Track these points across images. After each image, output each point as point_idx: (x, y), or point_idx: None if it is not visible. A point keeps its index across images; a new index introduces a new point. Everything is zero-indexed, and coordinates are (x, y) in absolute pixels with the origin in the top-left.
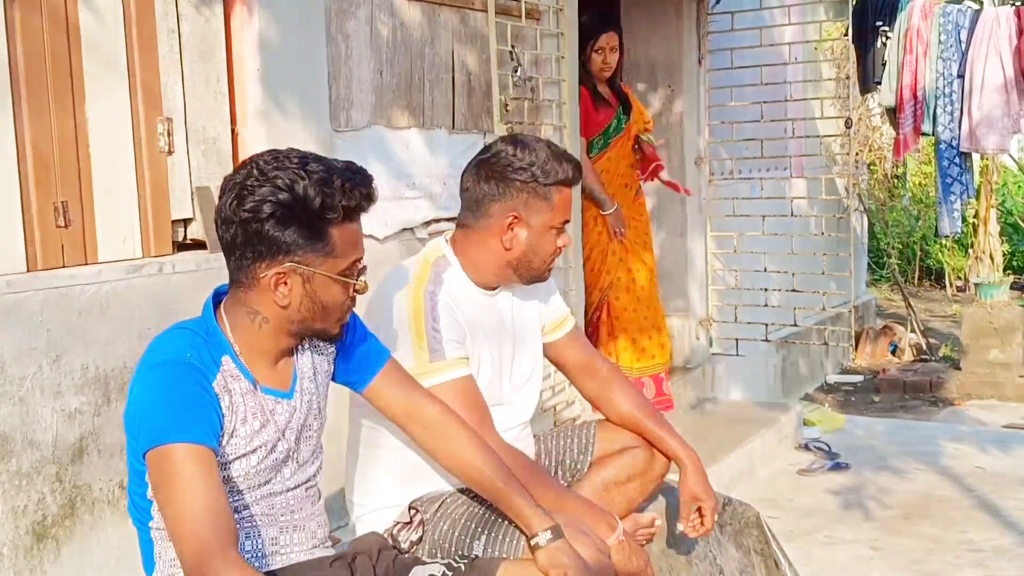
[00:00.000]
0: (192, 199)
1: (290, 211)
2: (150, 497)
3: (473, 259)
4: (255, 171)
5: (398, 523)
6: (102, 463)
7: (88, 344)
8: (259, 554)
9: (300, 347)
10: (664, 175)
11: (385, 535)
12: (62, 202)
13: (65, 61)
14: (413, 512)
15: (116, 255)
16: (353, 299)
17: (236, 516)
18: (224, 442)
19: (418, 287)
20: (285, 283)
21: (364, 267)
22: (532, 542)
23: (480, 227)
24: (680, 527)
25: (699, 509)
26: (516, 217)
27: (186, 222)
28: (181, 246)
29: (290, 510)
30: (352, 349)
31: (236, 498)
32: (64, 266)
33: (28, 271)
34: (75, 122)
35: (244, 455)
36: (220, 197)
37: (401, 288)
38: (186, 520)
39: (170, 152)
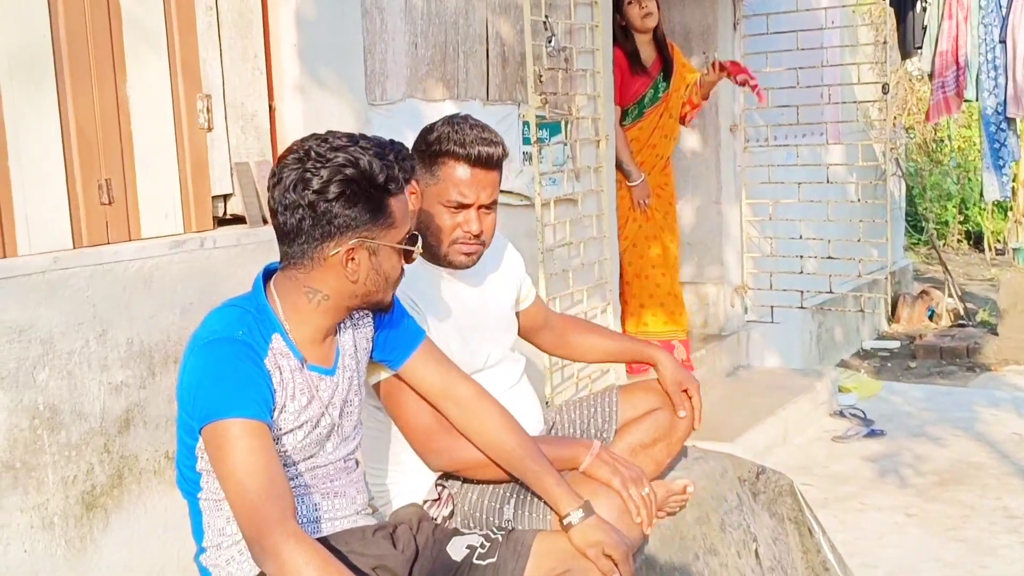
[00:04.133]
0: (231, 175)
1: (357, 187)
2: (199, 470)
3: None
4: (312, 154)
5: (427, 500)
6: (148, 434)
7: (132, 318)
8: (304, 519)
9: (343, 324)
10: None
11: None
12: (106, 180)
13: (106, 39)
14: (440, 488)
15: (158, 231)
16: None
17: None
18: (275, 417)
19: None
20: (353, 259)
21: (416, 235)
22: (564, 521)
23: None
24: (682, 413)
25: (686, 391)
26: (414, 182)
27: (226, 197)
28: (221, 221)
29: (330, 479)
30: (391, 327)
31: (285, 470)
32: (108, 242)
33: (74, 248)
34: (117, 100)
35: (292, 430)
36: (274, 185)
37: None
38: (246, 493)
39: (209, 128)
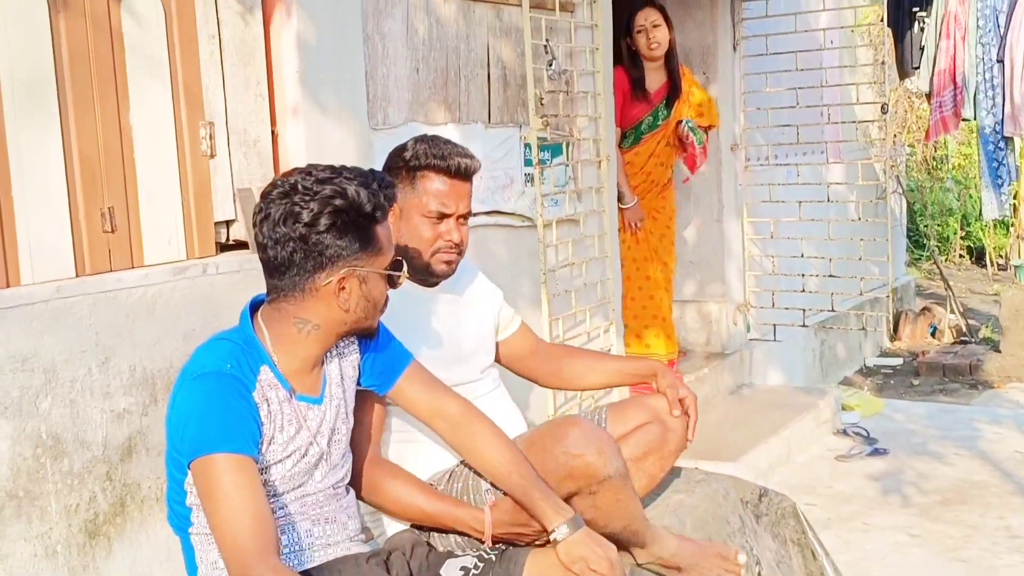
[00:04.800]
0: (234, 200)
1: (347, 217)
2: (189, 504)
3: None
4: (299, 187)
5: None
6: (150, 461)
7: (135, 345)
8: (295, 547)
9: (328, 354)
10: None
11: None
12: (108, 207)
13: (109, 68)
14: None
15: (161, 257)
16: None
17: (273, 516)
18: (263, 449)
19: None
20: (344, 288)
21: (401, 260)
22: (551, 536)
23: None
24: (676, 412)
25: (681, 401)
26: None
27: (228, 223)
28: (224, 247)
29: (320, 505)
30: (377, 351)
31: (273, 500)
32: (111, 270)
33: (77, 276)
34: (120, 128)
35: (280, 460)
36: (261, 221)
37: None
38: (229, 528)
39: (212, 155)
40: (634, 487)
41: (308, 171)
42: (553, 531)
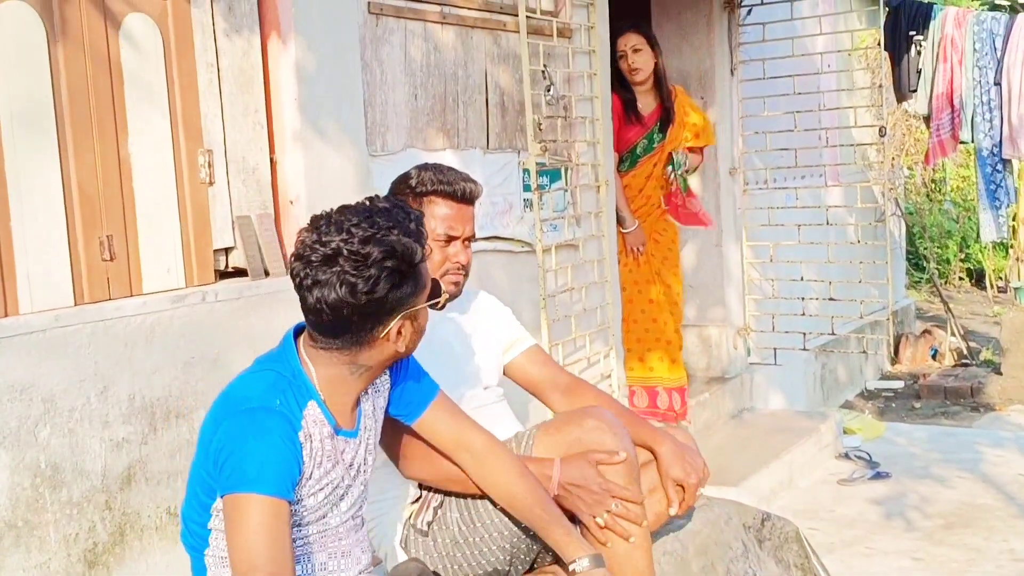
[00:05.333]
0: (233, 228)
1: (401, 273)
2: (211, 527)
3: None
4: (343, 252)
5: (414, 503)
6: (149, 490)
7: (134, 374)
8: None
9: (366, 391)
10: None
11: (406, 528)
12: (107, 236)
13: (108, 97)
14: (424, 493)
15: (160, 286)
16: None
17: (293, 544)
18: (300, 484)
19: None
20: (401, 331)
21: (437, 280)
22: (570, 567)
23: None
24: (672, 510)
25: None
26: None
27: (227, 251)
28: (223, 274)
29: (339, 538)
30: (407, 381)
31: (296, 530)
32: (110, 298)
33: (75, 305)
34: (118, 157)
35: (314, 493)
36: (310, 286)
37: None
38: (248, 570)
39: (211, 183)
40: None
41: (341, 225)
42: (574, 562)
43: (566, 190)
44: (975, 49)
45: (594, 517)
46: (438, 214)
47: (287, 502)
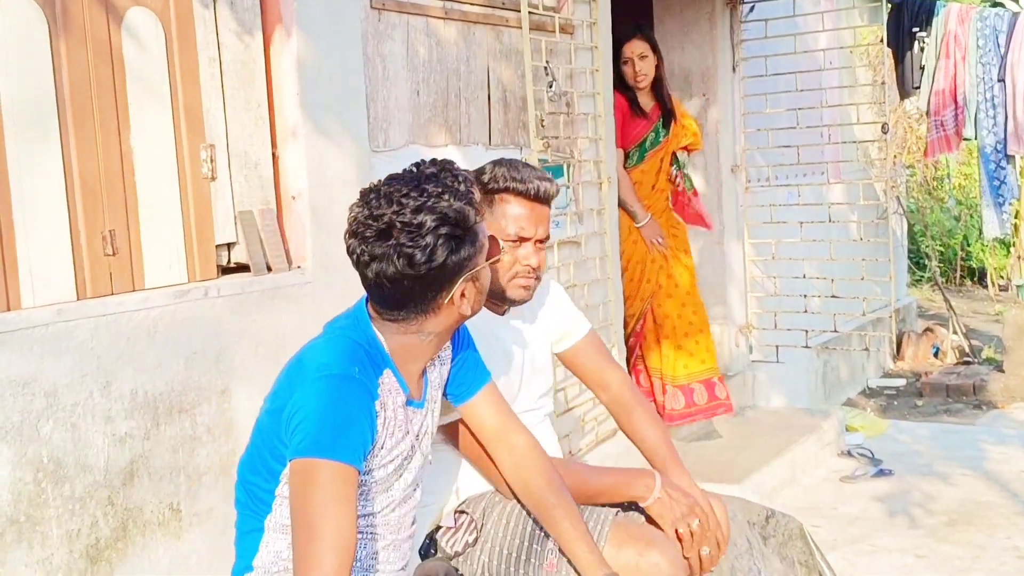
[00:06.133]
0: (235, 223)
1: (456, 237)
2: (277, 493)
3: None
4: (396, 224)
5: (442, 528)
6: (152, 486)
7: (137, 369)
8: (361, 566)
9: (433, 358)
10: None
11: (424, 544)
12: (109, 231)
13: (110, 90)
14: (460, 515)
15: (162, 281)
16: None
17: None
18: (372, 453)
19: None
20: (464, 294)
21: (496, 239)
22: None
23: None
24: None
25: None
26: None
27: (229, 246)
28: (225, 270)
29: (398, 528)
30: (465, 363)
31: (363, 505)
32: (112, 293)
33: (78, 299)
34: (121, 151)
35: (383, 464)
36: (367, 262)
37: None
38: (313, 537)
39: (213, 178)
40: None
41: (391, 197)
42: None
43: (568, 187)
44: (978, 46)
45: None
46: (510, 213)
47: (356, 470)
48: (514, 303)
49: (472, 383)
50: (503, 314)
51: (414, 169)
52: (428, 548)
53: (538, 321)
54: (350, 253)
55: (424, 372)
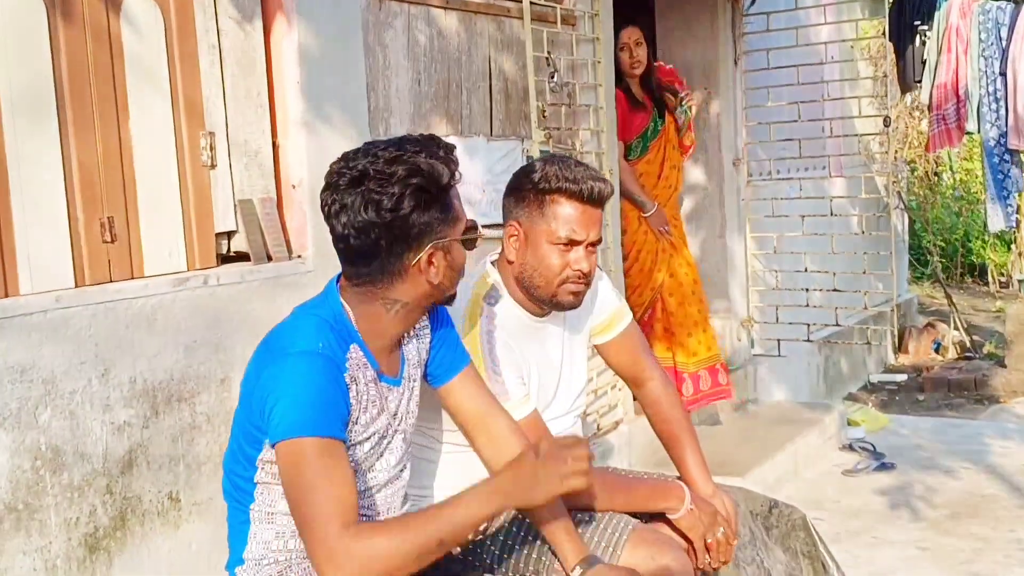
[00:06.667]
0: (235, 212)
1: (427, 193)
2: (257, 480)
3: (514, 290)
4: (370, 173)
5: None
6: (151, 475)
7: (136, 357)
8: None
9: (407, 334)
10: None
11: None
12: (108, 217)
13: (108, 78)
14: None
15: (161, 269)
16: None
17: None
18: (347, 430)
19: (472, 327)
20: (433, 262)
21: (475, 221)
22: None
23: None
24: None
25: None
26: (515, 224)
27: (229, 235)
28: (225, 259)
29: (388, 508)
30: (443, 345)
31: None
32: (111, 281)
33: (76, 286)
34: (119, 138)
35: (360, 442)
36: (337, 212)
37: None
38: (314, 513)
39: (213, 166)
40: None
41: (369, 151)
42: (571, 572)
43: None
44: (980, 39)
45: None
46: (560, 214)
47: (341, 441)
48: (562, 308)
49: (451, 365)
50: (544, 316)
51: (399, 137)
52: None
53: (580, 317)
54: (323, 206)
55: (400, 350)
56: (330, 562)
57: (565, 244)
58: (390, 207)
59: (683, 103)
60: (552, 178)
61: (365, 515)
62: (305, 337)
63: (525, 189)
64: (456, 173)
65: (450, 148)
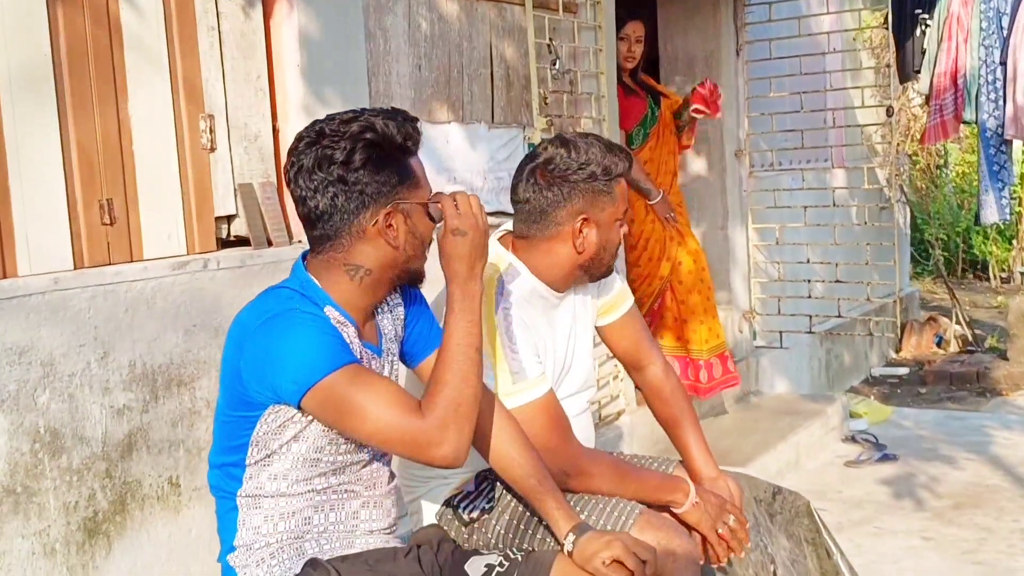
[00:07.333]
0: (235, 196)
1: (380, 151)
2: (249, 463)
3: (540, 267)
4: (325, 132)
5: (461, 493)
6: (151, 459)
7: (135, 340)
8: (342, 528)
9: (379, 309)
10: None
11: (441, 510)
12: (107, 199)
13: (108, 59)
14: (482, 480)
15: (161, 252)
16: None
17: (325, 486)
18: None
19: (488, 306)
20: (391, 224)
21: (440, 193)
22: (564, 550)
23: (548, 235)
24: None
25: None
26: (586, 218)
27: (229, 219)
28: (225, 243)
29: (373, 484)
30: (419, 323)
31: (329, 462)
32: (110, 263)
33: (75, 268)
34: (118, 120)
35: None
36: (295, 174)
37: None
38: (385, 426)
39: (212, 149)
40: None
41: (329, 116)
42: (564, 540)
43: None
44: (981, 28)
45: None
46: (620, 194)
47: (357, 363)
48: (605, 276)
49: (430, 342)
50: (562, 291)
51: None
52: (444, 515)
53: (588, 295)
54: (285, 175)
55: (376, 322)
56: (433, 447)
57: (623, 217)
58: (341, 161)
59: (687, 109)
60: (610, 167)
61: (354, 490)
62: (278, 302)
63: (584, 180)
64: (416, 141)
65: (412, 118)
